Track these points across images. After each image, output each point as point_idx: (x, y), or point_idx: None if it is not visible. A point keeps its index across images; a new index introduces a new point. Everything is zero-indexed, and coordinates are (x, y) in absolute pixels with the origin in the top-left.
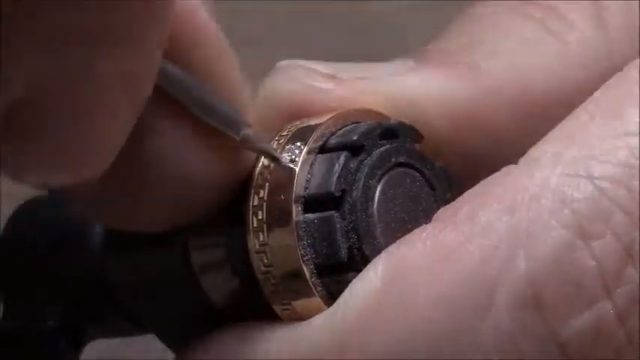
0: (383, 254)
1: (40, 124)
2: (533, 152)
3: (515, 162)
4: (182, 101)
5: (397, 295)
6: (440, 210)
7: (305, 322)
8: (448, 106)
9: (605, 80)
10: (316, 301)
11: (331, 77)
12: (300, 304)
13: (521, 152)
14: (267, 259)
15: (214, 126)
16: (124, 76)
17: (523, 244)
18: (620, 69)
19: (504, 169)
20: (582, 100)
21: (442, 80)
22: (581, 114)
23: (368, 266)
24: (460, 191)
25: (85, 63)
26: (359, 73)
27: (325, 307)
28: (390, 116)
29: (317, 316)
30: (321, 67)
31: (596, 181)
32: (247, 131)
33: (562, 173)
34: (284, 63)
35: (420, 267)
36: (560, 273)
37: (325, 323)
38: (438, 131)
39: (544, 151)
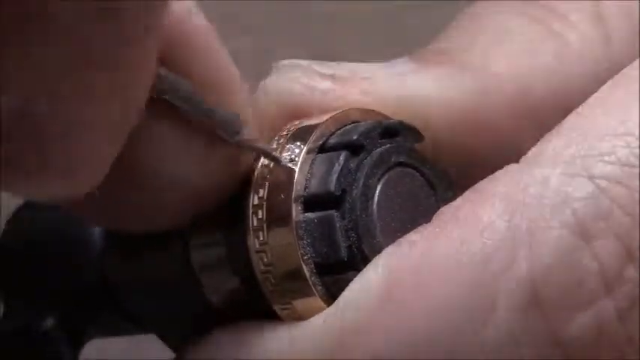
0: (383, 254)
1: (27, 144)
2: (534, 151)
3: (516, 161)
4: (177, 106)
5: (397, 296)
6: (440, 209)
7: (305, 322)
8: (448, 107)
9: (606, 80)
10: (316, 300)
11: (331, 77)
12: (299, 303)
13: (521, 152)
14: (267, 258)
15: (212, 128)
16: (118, 90)
17: (524, 244)
18: (621, 69)
19: (505, 168)
20: (582, 100)
21: (442, 81)
22: (581, 113)
23: (368, 266)
24: (460, 191)
25: (80, 83)
26: (359, 73)
27: (325, 306)
28: (390, 116)
29: (317, 316)
30: (321, 67)
31: (596, 180)
32: (245, 133)
33: (562, 172)
34: (284, 63)
35: (420, 266)
36: (561, 273)
37: (325, 323)
38: (438, 131)
39: (545, 150)
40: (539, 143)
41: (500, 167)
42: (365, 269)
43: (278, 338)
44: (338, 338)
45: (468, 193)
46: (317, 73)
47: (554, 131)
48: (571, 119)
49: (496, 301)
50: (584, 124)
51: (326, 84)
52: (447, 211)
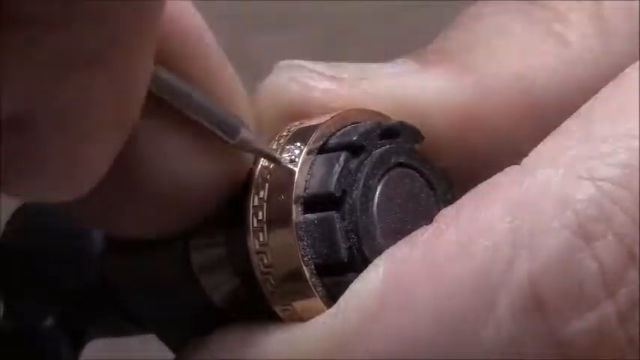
0: (384, 255)
1: (26, 146)
2: (536, 152)
3: (517, 162)
4: (176, 106)
5: (398, 297)
6: (441, 211)
7: (306, 323)
8: (448, 107)
9: (606, 80)
10: (316, 301)
11: (331, 78)
12: (300, 304)
13: (521, 152)
14: (267, 259)
15: (211, 130)
16: (114, 91)
17: (525, 245)
18: (621, 69)
19: (506, 170)
20: (583, 101)
21: (442, 81)
22: (583, 115)
23: (369, 267)
24: (460, 192)
25: (75, 90)
26: (359, 73)
27: (325, 307)
28: (390, 117)
29: (318, 317)
30: (321, 67)
31: (597, 182)
32: (244, 134)
33: (564, 174)
34: (284, 63)
35: (421, 268)
36: (562, 274)
37: (326, 324)
38: (438, 132)
39: (546, 151)
40: (540, 144)
41: (501, 168)
42: (365, 270)
43: (278, 339)
44: (339, 340)
45: (468, 195)
46: (317, 73)
47: (555, 132)
48: (572, 120)
49: (496, 302)
50: (586, 125)
51: (326, 84)
52: (447, 213)
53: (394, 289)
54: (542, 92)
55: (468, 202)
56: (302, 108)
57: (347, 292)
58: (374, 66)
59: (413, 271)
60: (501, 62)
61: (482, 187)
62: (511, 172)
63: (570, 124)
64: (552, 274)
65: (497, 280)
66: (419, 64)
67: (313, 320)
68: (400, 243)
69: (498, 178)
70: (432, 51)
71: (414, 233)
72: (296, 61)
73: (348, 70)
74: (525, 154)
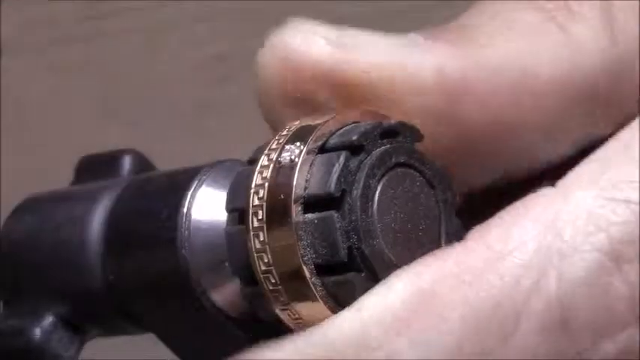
0: (410, 267)
1: None
2: (571, 175)
3: (518, 150)
4: None
5: (424, 312)
6: (473, 228)
7: (323, 328)
8: (444, 81)
9: (611, 75)
10: (316, 301)
11: (332, 41)
12: (300, 304)
13: (518, 133)
14: (266, 259)
15: None
16: None
17: (555, 265)
18: (627, 66)
19: (540, 191)
20: (586, 90)
21: (441, 57)
22: (620, 137)
23: (393, 278)
24: (458, 184)
25: None
26: (361, 41)
27: (325, 307)
28: (389, 88)
29: (335, 321)
30: (329, 32)
31: (632, 205)
32: None
33: (598, 196)
34: (295, 20)
35: (450, 281)
36: (591, 296)
37: (346, 336)
38: (435, 107)
39: (581, 173)
40: (576, 168)
41: (502, 147)
42: (388, 279)
43: (295, 347)
44: (362, 353)
45: (500, 214)
46: (320, 35)
47: (592, 157)
48: (610, 143)
49: (522, 321)
50: (623, 148)
51: (323, 44)
52: (480, 229)
53: (422, 299)
54: (545, 77)
55: (500, 220)
56: (299, 65)
57: (366, 299)
58: (381, 37)
59: (440, 287)
60: (505, 41)
61: (515, 206)
62: (545, 193)
63: (608, 146)
64: (581, 296)
65: (524, 297)
66: (425, 40)
67: (331, 324)
68: (428, 257)
69: (532, 198)
70: (440, 28)
71: (443, 249)
72: (307, 22)
73: (352, 37)
74: (522, 136)
